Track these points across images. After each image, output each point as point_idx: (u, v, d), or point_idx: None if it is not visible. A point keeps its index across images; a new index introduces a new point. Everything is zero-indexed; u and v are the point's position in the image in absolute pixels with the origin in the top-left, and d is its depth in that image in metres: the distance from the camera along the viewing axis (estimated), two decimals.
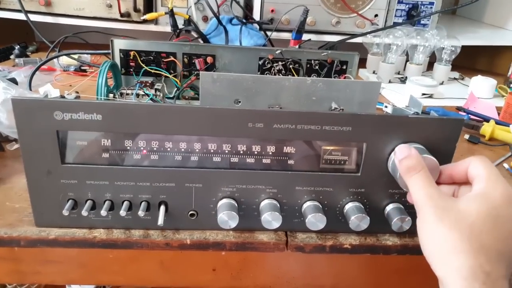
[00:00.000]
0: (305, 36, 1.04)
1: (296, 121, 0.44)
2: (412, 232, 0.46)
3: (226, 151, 0.47)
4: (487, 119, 0.87)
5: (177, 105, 0.48)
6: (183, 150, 0.46)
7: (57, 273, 0.51)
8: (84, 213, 0.46)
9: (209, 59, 0.75)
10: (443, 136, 0.46)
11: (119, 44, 0.73)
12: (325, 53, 0.75)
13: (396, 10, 1.17)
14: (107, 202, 0.47)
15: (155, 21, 1.13)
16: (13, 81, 0.79)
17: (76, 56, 1.03)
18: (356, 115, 0.45)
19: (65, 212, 0.46)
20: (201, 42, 1.00)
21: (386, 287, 0.56)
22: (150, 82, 0.71)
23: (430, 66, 1.21)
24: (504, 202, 0.39)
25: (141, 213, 0.46)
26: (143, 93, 0.67)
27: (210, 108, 0.44)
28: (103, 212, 0.46)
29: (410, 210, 0.48)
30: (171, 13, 0.95)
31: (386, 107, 0.58)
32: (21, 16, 1.09)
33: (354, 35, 1.12)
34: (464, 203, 0.39)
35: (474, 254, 0.36)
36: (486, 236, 0.37)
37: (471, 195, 0.40)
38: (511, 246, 0.38)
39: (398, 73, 1.19)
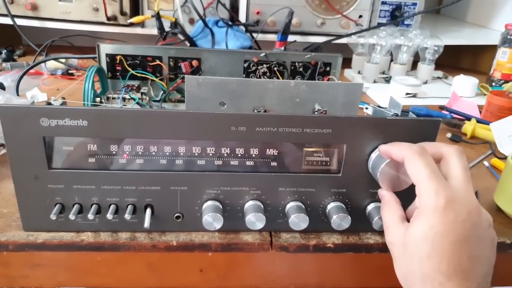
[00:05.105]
0: (291, 38, 1.05)
1: (277, 124, 0.46)
2: None
3: (210, 154, 0.48)
4: (468, 118, 0.89)
5: (161, 110, 0.49)
6: (167, 154, 0.47)
7: (46, 277, 0.52)
8: (72, 217, 0.47)
9: (194, 63, 0.75)
10: (421, 136, 0.47)
11: (105, 48, 0.73)
12: (308, 55, 0.76)
13: (380, 10, 1.19)
14: (94, 206, 0.48)
15: (141, 24, 1.14)
16: (0, 86, 0.79)
17: (63, 60, 1.03)
18: (335, 118, 0.46)
19: (53, 216, 0.46)
20: (188, 44, 1.01)
21: (369, 285, 0.57)
22: (136, 85, 0.72)
23: (414, 65, 1.23)
24: (440, 218, 0.37)
25: (127, 216, 0.47)
26: (129, 97, 0.67)
27: (193, 112, 0.44)
28: (90, 216, 0.47)
29: None
30: (158, 16, 0.96)
31: (367, 108, 0.59)
32: (7, 21, 1.09)
33: (339, 36, 1.14)
34: (409, 229, 0.39)
35: (422, 284, 0.37)
36: (428, 262, 0.37)
37: (413, 218, 0.40)
38: (462, 257, 0.37)
39: (383, 73, 1.21)
